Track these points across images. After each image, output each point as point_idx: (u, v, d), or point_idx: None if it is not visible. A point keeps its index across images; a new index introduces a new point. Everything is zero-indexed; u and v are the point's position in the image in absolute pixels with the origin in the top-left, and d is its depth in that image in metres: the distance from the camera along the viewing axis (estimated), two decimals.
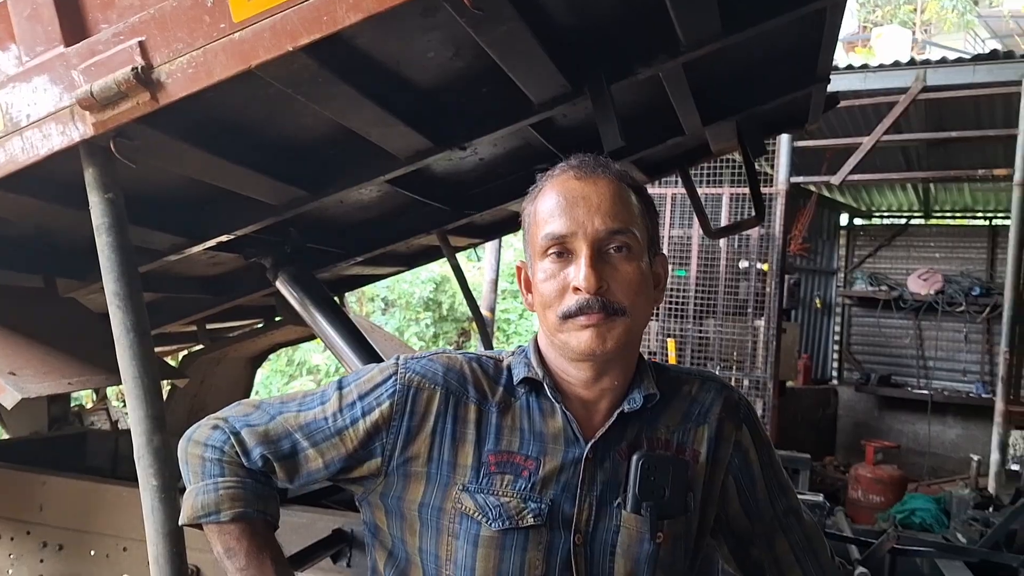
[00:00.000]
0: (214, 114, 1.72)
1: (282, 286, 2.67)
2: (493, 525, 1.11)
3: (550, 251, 1.13)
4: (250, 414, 1.19)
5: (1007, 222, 8.08)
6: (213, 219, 2.24)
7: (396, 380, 1.17)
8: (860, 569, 2.07)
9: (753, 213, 3.44)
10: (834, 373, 9.92)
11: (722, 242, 6.96)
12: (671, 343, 6.98)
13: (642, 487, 1.14)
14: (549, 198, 1.15)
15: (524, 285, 1.22)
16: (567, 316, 1.11)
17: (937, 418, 8.91)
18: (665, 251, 7.34)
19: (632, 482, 1.14)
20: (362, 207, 2.72)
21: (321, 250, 2.84)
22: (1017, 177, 5.81)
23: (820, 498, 2.09)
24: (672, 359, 6.92)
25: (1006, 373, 5.62)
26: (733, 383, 7.02)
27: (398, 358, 1.21)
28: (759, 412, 6.77)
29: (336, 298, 3.75)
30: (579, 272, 1.10)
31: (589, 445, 1.15)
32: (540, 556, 1.12)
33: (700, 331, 7.17)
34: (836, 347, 9.89)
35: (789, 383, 8.28)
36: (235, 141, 1.84)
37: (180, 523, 1.19)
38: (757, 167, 7.24)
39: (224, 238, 2.25)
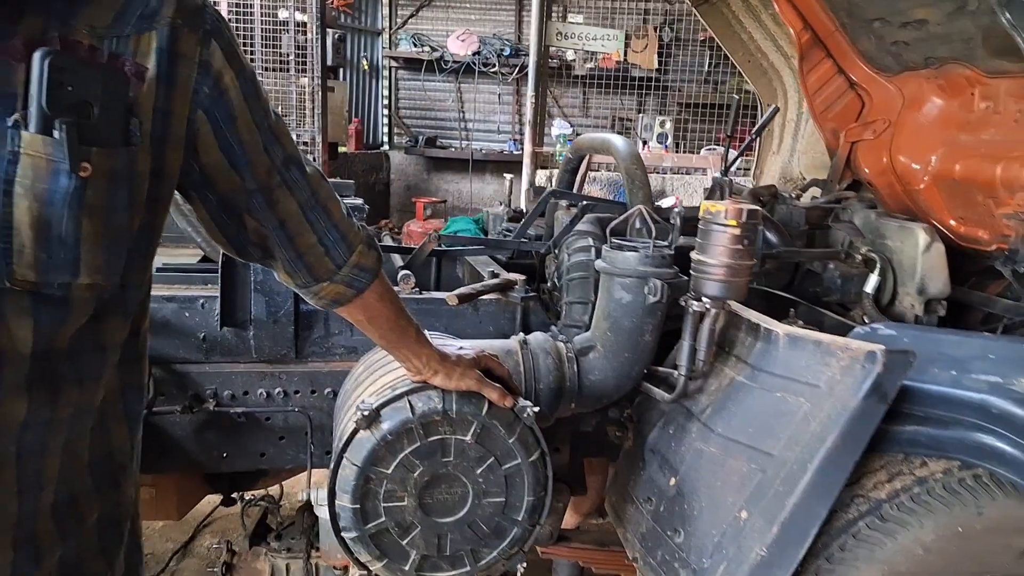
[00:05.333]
0: None
1: None
2: None
3: None
4: None
5: None
6: None
7: None
8: (403, 272, 1.92)
9: None
10: (385, 138, 10.01)
11: None
12: None
13: (52, 97, 0.77)
14: None
15: None
16: None
17: (477, 175, 9.64)
18: None
19: (37, 90, 0.77)
20: None
21: None
22: None
23: (360, 201, 1.82)
24: None
25: (533, 118, 6.06)
26: None
27: None
28: None
29: None
30: None
31: None
32: None
33: None
34: (386, 111, 9.91)
35: (342, 148, 8.09)
36: None
37: None
38: None
39: None
